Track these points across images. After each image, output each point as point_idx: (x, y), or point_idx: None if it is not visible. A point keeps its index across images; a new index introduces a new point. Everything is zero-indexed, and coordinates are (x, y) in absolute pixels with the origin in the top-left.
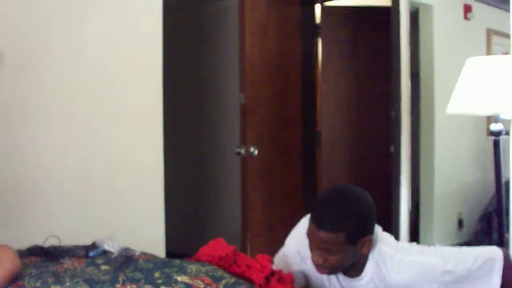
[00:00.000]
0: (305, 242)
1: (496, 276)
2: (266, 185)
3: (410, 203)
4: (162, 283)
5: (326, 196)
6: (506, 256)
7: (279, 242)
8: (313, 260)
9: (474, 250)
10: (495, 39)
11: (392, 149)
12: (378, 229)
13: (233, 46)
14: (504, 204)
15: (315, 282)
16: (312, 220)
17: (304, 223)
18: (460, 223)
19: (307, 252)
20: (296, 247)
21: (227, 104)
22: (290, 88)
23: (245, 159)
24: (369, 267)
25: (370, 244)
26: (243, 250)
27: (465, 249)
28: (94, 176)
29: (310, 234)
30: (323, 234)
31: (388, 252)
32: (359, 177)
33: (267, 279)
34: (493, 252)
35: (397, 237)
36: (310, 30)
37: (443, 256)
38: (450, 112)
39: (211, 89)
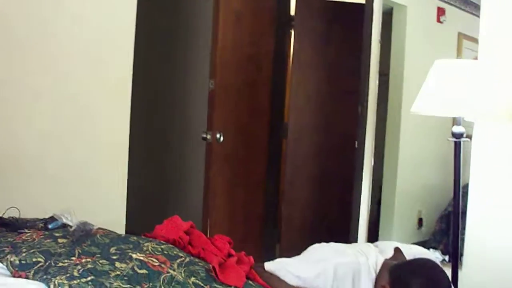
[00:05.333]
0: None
1: None
2: (229, 173)
3: (371, 199)
4: (117, 259)
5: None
6: None
7: (239, 230)
8: None
9: None
10: (466, 43)
11: (356, 144)
12: None
13: (206, 32)
14: (460, 206)
15: None
16: None
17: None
18: (420, 222)
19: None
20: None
21: (196, 89)
22: (260, 77)
23: (211, 145)
24: None
25: None
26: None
27: None
28: (58, 152)
29: None
30: None
31: None
32: (322, 171)
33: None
34: None
35: (356, 232)
36: (284, 21)
37: None
38: (414, 110)
39: (182, 73)
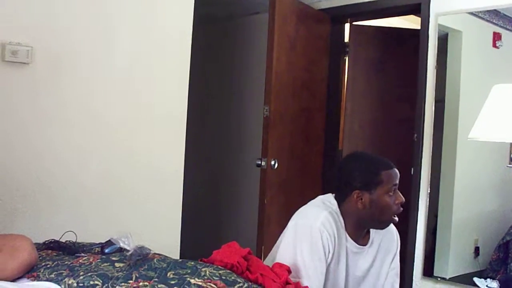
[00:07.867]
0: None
1: None
2: (283, 199)
3: (427, 228)
4: (175, 284)
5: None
6: None
7: None
8: (400, 201)
9: None
10: None
11: (412, 171)
12: None
13: (261, 59)
14: None
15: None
16: (385, 166)
17: (321, 204)
18: (477, 251)
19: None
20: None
21: (250, 115)
22: (315, 104)
23: (265, 172)
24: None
25: None
26: None
27: None
28: (115, 178)
29: (392, 177)
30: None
31: None
32: None
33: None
34: None
35: (411, 261)
36: (338, 48)
37: None
38: (472, 136)
39: (236, 99)
